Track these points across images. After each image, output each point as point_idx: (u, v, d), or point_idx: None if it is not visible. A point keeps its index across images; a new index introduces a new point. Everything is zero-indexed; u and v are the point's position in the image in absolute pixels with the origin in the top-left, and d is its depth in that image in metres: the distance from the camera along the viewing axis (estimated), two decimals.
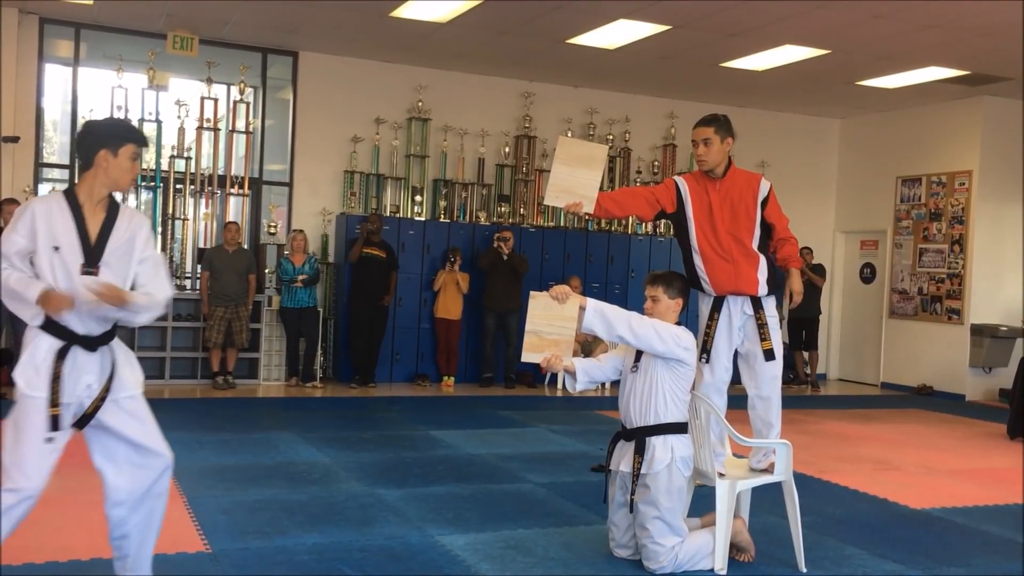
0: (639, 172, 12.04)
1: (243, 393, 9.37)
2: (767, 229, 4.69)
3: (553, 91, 11.67)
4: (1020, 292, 11.55)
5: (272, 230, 10.47)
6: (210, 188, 10.35)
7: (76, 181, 3.26)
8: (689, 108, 11.70)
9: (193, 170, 10.25)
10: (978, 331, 11.30)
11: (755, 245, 4.62)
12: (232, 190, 10.48)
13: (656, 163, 12.15)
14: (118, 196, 3.38)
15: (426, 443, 7.03)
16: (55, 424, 3.13)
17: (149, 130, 10.26)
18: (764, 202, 4.65)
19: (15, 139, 9.45)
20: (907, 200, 12.23)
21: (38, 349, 3.15)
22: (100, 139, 3.22)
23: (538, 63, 10.71)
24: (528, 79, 11.51)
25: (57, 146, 11.66)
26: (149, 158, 10.52)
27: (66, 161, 10.32)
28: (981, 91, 11.05)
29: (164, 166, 10.20)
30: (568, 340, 4.07)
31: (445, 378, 10.48)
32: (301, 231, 10.05)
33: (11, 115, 9.45)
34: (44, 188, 10.19)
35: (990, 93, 11.13)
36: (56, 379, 3.12)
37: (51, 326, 3.16)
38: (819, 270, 11.69)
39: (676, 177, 4.78)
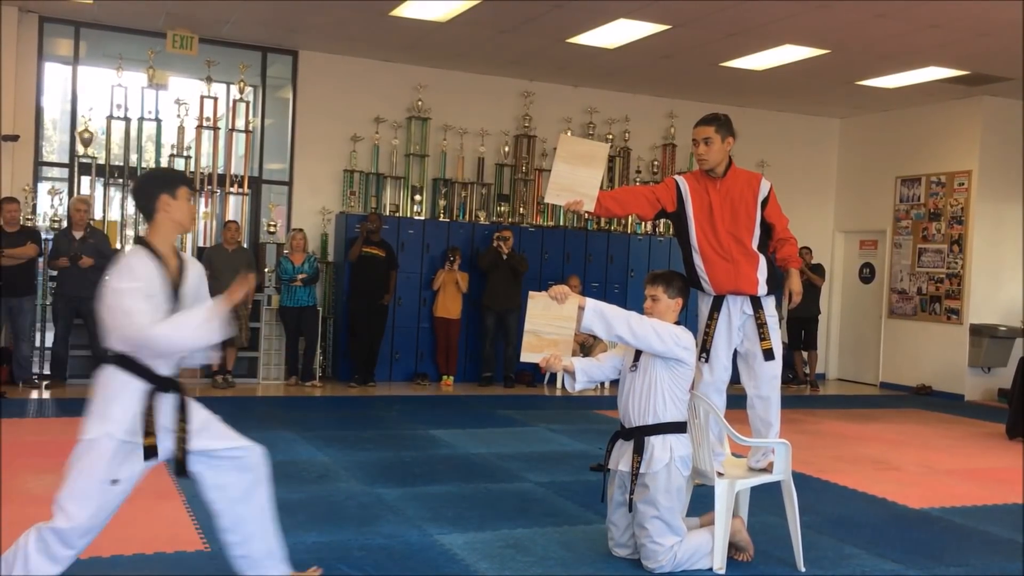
0: (639, 172, 12.04)
1: (242, 392, 9.37)
2: (767, 229, 4.69)
3: (553, 91, 11.67)
4: (1019, 292, 11.55)
5: (272, 229, 10.47)
6: (210, 187, 10.34)
7: (145, 235, 3.32)
8: (689, 108, 11.70)
9: (193, 169, 10.25)
10: (977, 331, 11.30)
11: (755, 245, 4.62)
12: (232, 189, 10.47)
13: (656, 163, 12.16)
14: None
15: (425, 442, 7.03)
16: (150, 454, 3.15)
17: (148, 129, 10.28)
18: (764, 202, 4.65)
19: (15, 138, 9.45)
20: (906, 200, 12.23)
21: (131, 394, 3.16)
22: (157, 185, 3.33)
23: (538, 63, 10.71)
24: (528, 79, 11.51)
25: (56, 145, 11.66)
26: (149, 157, 10.54)
27: (65, 160, 10.32)
28: (981, 91, 11.05)
29: (164, 165, 10.20)
30: (567, 340, 4.07)
31: (444, 377, 10.48)
32: (301, 230, 10.05)
33: (11, 114, 9.45)
34: (43, 187, 10.19)
35: (990, 93, 11.13)
36: (149, 412, 3.15)
37: (138, 369, 3.18)
38: (818, 270, 11.69)
39: (676, 176, 4.77)
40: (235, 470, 3.33)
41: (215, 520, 3.38)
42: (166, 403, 3.22)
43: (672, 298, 4.22)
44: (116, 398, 3.15)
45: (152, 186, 3.34)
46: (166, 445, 3.22)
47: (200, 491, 3.35)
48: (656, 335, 4.02)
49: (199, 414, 3.31)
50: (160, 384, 3.20)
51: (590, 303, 4.04)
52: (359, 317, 10.02)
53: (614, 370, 4.31)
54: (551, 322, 4.05)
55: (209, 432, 3.31)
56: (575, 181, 4.50)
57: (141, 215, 3.45)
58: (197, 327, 3.15)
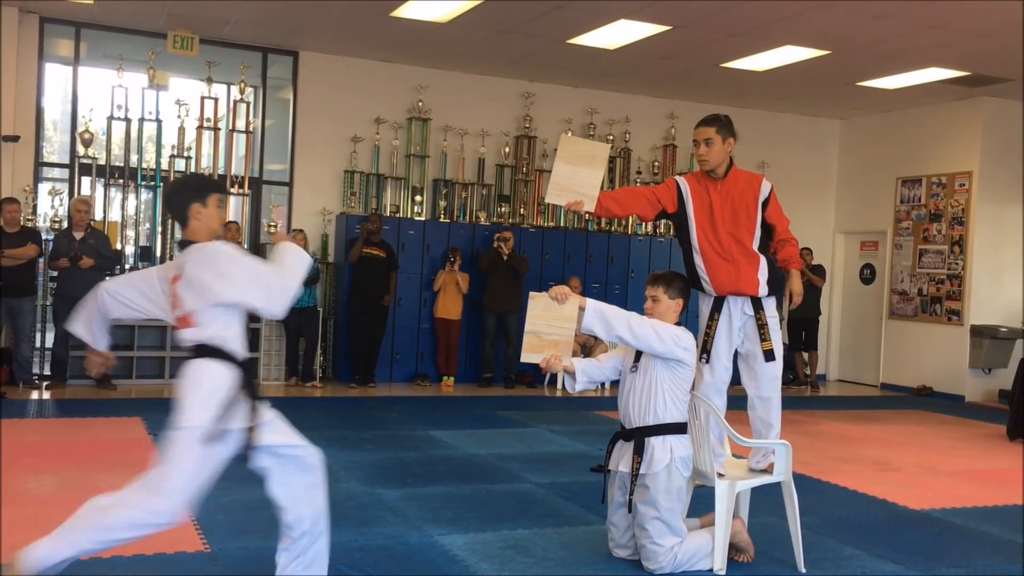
0: (639, 172, 12.04)
1: None
2: (768, 230, 4.69)
3: (553, 91, 11.67)
4: (1020, 293, 11.55)
5: (272, 230, 10.47)
6: None
7: (185, 236, 3.44)
8: (689, 108, 11.70)
9: (193, 169, 10.25)
10: (978, 332, 11.30)
11: (755, 246, 4.62)
12: (232, 190, 10.47)
13: (656, 163, 12.16)
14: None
15: (426, 443, 7.03)
16: (220, 438, 3.22)
17: (149, 130, 10.28)
18: (765, 203, 4.66)
19: (15, 138, 9.45)
20: (907, 201, 12.23)
21: (224, 383, 3.25)
22: (188, 194, 3.43)
23: (538, 63, 10.71)
24: (528, 79, 11.50)
25: (57, 145, 11.65)
26: (149, 157, 10.54)
27: (66, 161, 10.32)
28: (981, 92, 11.05)
29: (164, 166, 10.20)
30: (568, 340, 4.07)
31: (445, 378, 10.48)
32: (301, 231, 10.04)
33: (11, 114, 9.45)
34: (44, 187, 10.19)
35: (990, 94, 11.13)
36: (232, 404, 3.24)
37: (226, 358, 3.27)
38: (819, 271, 11.69)
39: (677, 177, 4.78)
40: (298, 469, 3.43)
41: (280, 515, 3.46)
42: (244, 395, 3.31)
43: (673, 299, 4.22)
44: (212, 387, 3.24)
45: (183, 196, 3.43)
46: (238, 437, 3.28)
47: (266, 488, 3.43)
48: (656, 336, 4.02)
49: (266, 411, 3.40)
50: (244, 373, 3.30)
51: (590, 303, 4.04)
52: (359, 318, 10.02)
53: (614, 371, 4.31)
54: (551, 323, 4.05)
55: (274, 428, 3.40)
56: (576, 181, 4.50)
57: (174, 220, 3.59)
58: (296, 259, 3.35)
